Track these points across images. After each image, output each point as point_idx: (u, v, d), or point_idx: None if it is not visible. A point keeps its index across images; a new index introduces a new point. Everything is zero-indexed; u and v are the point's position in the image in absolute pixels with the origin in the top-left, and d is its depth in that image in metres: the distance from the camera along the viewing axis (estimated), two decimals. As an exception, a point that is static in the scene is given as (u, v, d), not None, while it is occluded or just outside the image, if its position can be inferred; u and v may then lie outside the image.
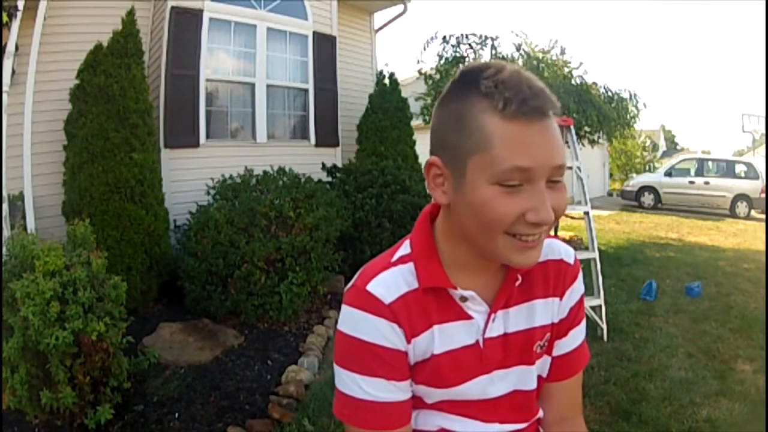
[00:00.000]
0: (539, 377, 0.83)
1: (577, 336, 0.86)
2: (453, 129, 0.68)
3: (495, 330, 0.77)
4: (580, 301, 0.85)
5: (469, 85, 0.67)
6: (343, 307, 0.76)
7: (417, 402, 0.78)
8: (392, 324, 0.72)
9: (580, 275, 0.86)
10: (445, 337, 0.75)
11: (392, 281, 0.74)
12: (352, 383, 0.73)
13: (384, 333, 0.72)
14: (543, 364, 0.83)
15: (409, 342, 0.73)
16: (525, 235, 0.66)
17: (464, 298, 0.75)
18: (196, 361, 3.08)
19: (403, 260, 0.77)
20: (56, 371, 2.13)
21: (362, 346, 0.72)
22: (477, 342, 0.76)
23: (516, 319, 0.78)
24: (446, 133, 0.69)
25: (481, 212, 0.66)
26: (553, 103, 0.65)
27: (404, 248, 0.79)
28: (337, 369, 0.75)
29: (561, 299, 0.83)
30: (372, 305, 0.72)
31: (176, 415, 2.58)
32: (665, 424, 2.57)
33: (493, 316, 0.76)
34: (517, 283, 0.78)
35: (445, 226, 0.76)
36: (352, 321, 0.73)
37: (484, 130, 0.64)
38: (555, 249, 0.84)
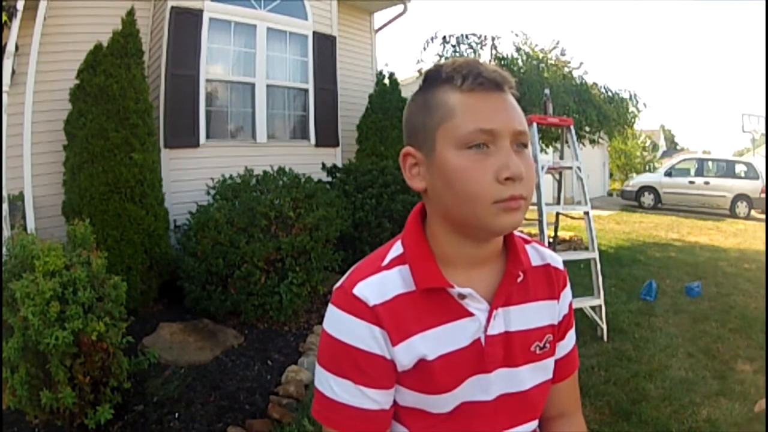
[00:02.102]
0: (543, 386, 0.83)
1: (572, 337, 0.89)
2: (419, 113, 0.74)
3: (497, 327, 0.76)
4: (571, 304, 0.89)
5: (431, 78, 0.74)
6: (329, 305, 0.76)
7: (414, 419, 0.77)
8: (372, 327, 0.71)
9: (568, 280, 0.89)
10: (442, 339, 0.73)
11: (383, 284, 0.74)
12: (325, 381, 0.74)
13: (361, 335, 0.71)
14: (549, 366, 0.83)
15: (394, 345, 0.72)
16: (507, 200, 0.68)
17: (462, 296, 0.74)
18: (196, 361, 3.08)
19: (396, 262, 0.76)
20: (56, 371, 2.13)
21: (337, 345, 0.72)
22: (478, 339, 0.75)
23: (517, 318, 0.78)
24: (414, 118, 0.75)
25: (456, 178, 0.68)
26: (509, 82, 0.71)
27: (396, 249, 0.78)
28: (316, 367, 0.77)
29: (558, 302, 0.84)
30: (354, 307, 0.72)
31: (176, 415, 2.58)
32: (665, 424, 2.57)
33: (494, 312, 0.75)
34: (519, 280, 0.78)
35: (433, 221, 0.76)
36: (332, 320, 0.74)
37: (447, 104, 0.70)
38: (544, 255, 0.86)
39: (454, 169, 0.68)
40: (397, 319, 0.72)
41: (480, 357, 0.75)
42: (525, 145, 0.71)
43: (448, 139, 0.69)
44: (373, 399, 0.72)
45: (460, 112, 0.69)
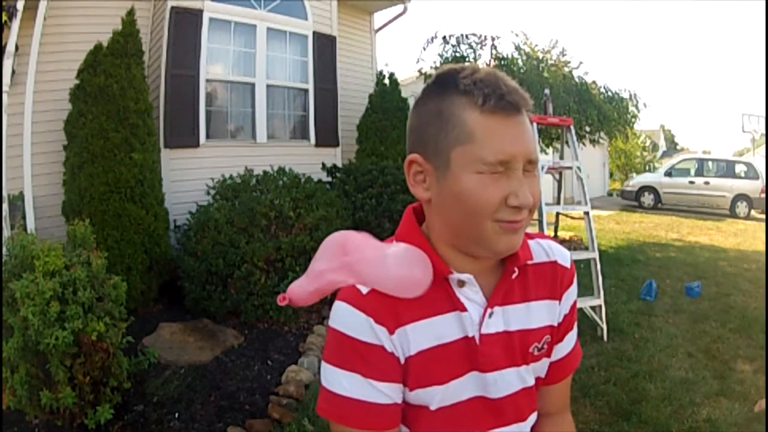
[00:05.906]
0: (538, 379, 0.83)
1: (571, 339, 0.87)
2: (432, 125, 0.71)
3: (494, 326, 0.75)
4: (575, 305, 0.86)
5: (446, 85, 0.71)
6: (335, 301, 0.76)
7: (414, 416, 0.76)
8: (369, 318, 0.71)
9: (576, 279, 0.86)
10: (433, 331, 0.73)
11: None
12: (332, 378, 0.72)
13: (361, 326, 0.71)
14: (542, 366, 0.82)
15: (392, 334, 0.71)
16: (509, 222, 0.69)
17: (462, 282, 0.74)
18: (196, 361, 3.08)
19: None
20: (56, 371, 2.13)
21: (340, 338, 0.72)
22: (472, 337, 0.74)
23: (516, 318, 0.77)
24: (426, 128, 0.72)
25: (467, 199, 0.68)
26: (527, 101, 0.70)
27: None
28: (322, 364, 0.75)
29: (560, 302, 0.83)
30: (355, 298, 0.72)
31: (176, 415, 2.58)
32: (665, 424, 2.57)
33: (489, 311, 0.75)
34: (514, 276, 0.77)
35: (433, 232, 0.76)
36: (336, 314, 0.74)
37: (466, 124, 0.68)
38: (551, 252, 0.84)
39: (466, 189, 0.68)
40: (391, 309, 0.72)
41: (474, 355, 0.74)
42: (534, 165, 0.71)
43: (466, 162, 0.68)
44: (384, 392, 0.71)
45: (479, 137, 0.67)
